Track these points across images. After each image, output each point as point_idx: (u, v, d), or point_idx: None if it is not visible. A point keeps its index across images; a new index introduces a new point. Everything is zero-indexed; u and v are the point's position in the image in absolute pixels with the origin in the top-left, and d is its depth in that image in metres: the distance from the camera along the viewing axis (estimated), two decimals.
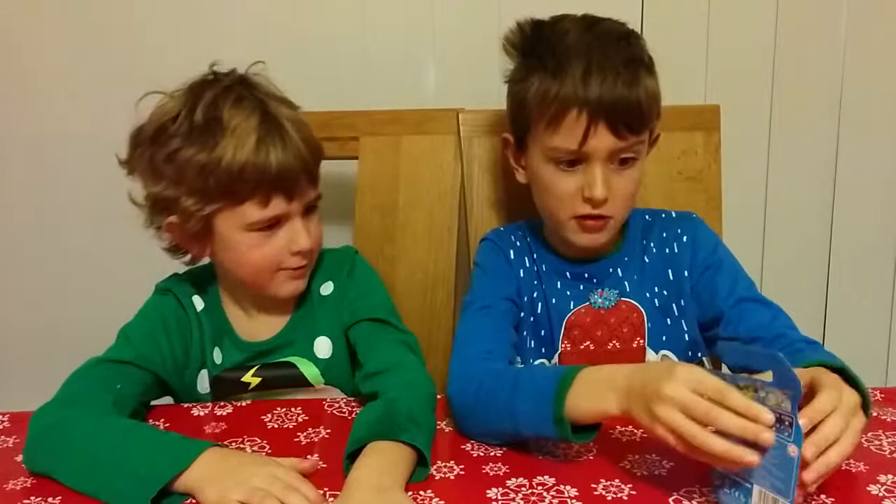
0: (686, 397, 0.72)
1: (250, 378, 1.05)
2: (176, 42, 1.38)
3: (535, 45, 1.02)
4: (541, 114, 0.99)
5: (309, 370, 1.06)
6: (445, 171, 1.25)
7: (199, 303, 1.06)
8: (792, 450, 0.69)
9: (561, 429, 0.81)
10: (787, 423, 0.70)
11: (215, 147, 0.94)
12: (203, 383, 1.06)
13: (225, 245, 1.00)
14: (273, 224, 0.98)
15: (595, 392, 0.81)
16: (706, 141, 1.29)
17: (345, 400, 1.02)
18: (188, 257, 1.06)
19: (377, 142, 1.26)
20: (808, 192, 1.53)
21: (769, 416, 0.70)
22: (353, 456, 0.83)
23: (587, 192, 0.99)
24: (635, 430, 0.91)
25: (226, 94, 0.97)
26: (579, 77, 0.95)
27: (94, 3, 1.38)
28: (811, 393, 0.76)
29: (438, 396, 0.98)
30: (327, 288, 1.08)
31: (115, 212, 1.40)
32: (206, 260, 1.08)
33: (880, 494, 0.79)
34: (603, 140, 0.97)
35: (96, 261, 1.47)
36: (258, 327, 1.07)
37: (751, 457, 0.70)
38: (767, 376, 0.73)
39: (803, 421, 0.71)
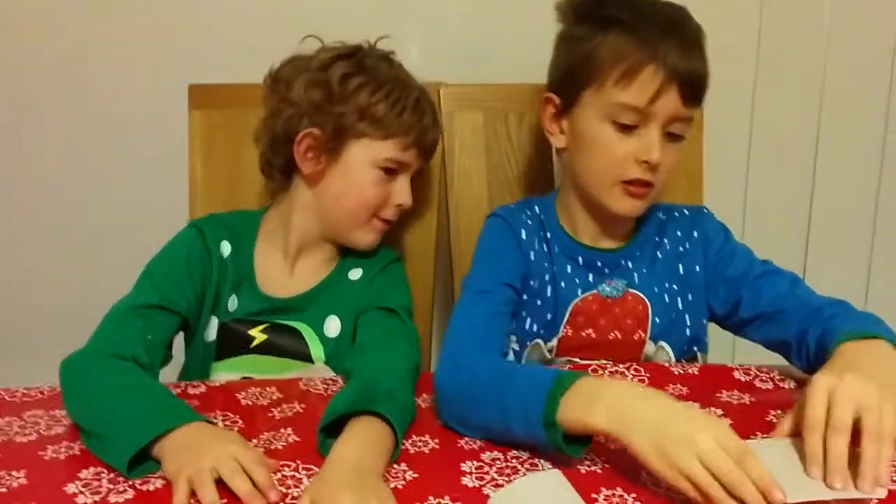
0: (713, 453, 0.70)
1: (257, 333, 1.07)
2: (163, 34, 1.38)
3: (602, 5, 1.00)
4: (612, 68, 0.97)
5: (315, 346, 1.07)
6: None
7: (226, 247, 1.09)
8: None
9: (551, 434, 0.78)
10: None
11: (387, 82, 1.05)
12: (211, 331, 1.07)
13: (345, 173, 1.06)
14: (394, 171, 1.07)
15: (587, 400, 0.77)
16: None
17: (321, 378, 1.01)
18: (277, 183, 1.11)
19: None
20: (789, 172, 1.53)
21: (780, 496, 0.68)
22: (327, 430, 0.82)
23: (644, 154, 0.97)
24: None
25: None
26: (660, 37, 0.95)
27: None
28: None
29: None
30: (355, 273, 1.11)
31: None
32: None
33: None
34: (669, 102, 0.96)
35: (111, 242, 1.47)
36: (284, 281, 1.09)
37: None
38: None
39: (814, 438, 0.71)
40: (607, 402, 0.76)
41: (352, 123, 1.04)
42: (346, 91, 1.04)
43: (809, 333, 0.95)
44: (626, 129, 0.98)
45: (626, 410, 0.75)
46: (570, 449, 0.78)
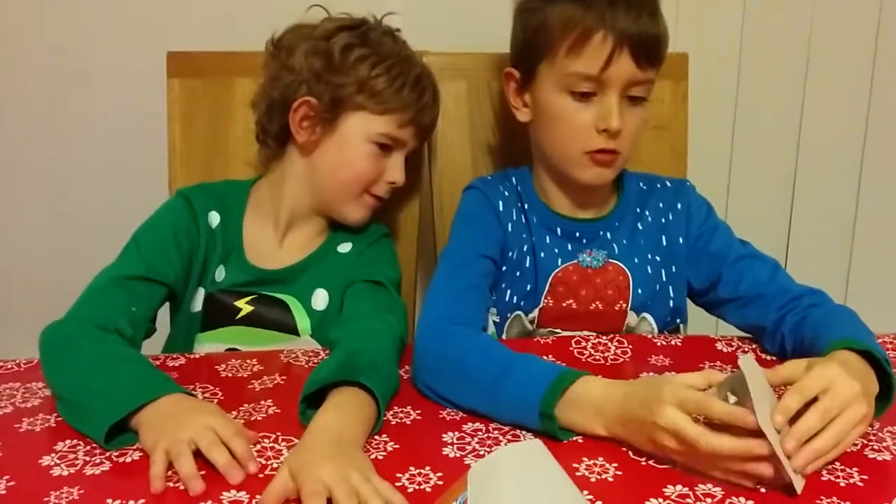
0: (677, 424, 0.71)
1: (243, 305, 1.06)
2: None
3: None
4: (563, 38, 0.96)
5: (301, 318, 1.06)
6: None
7: (214, 218, 1.07)
8: None
9: (546, 424, 0.78)
10: None
11: (389, 57, 1.05)
12: (197, 301, 1.06)
13: (339, 145, 1.05)
14: (388, 147, 1.06)
15: (585, 413, 0.78)
16: (673, 89, 1.27)
17: (302, 350, 1.00)
18: (271, 151, 1.10)
19: None
20: (774, 142, 1.53)
21: (752, 419, 0.69)
22: (308, 400, 0.82)
23: (603, 123, 0.97)
24: None
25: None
26: (606, 2, 0.94)
27: None
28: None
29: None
30: (345, 247, 1.10)
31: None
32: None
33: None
34: (623, 68, 0.95)
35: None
36: (273, 253, 1.08)
37: (763, 469, 0.70)
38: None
39: (794, 398, 0.71)
40: (603, 411, 0.77)
41: (350, 95, 1.03)
42: (347, 62, 1.03)
43: (786, 320, 0.96)
44: (584, 97, 0.98)
45: (617, 415, 0.77)
46: (563, 434, 0.79)
